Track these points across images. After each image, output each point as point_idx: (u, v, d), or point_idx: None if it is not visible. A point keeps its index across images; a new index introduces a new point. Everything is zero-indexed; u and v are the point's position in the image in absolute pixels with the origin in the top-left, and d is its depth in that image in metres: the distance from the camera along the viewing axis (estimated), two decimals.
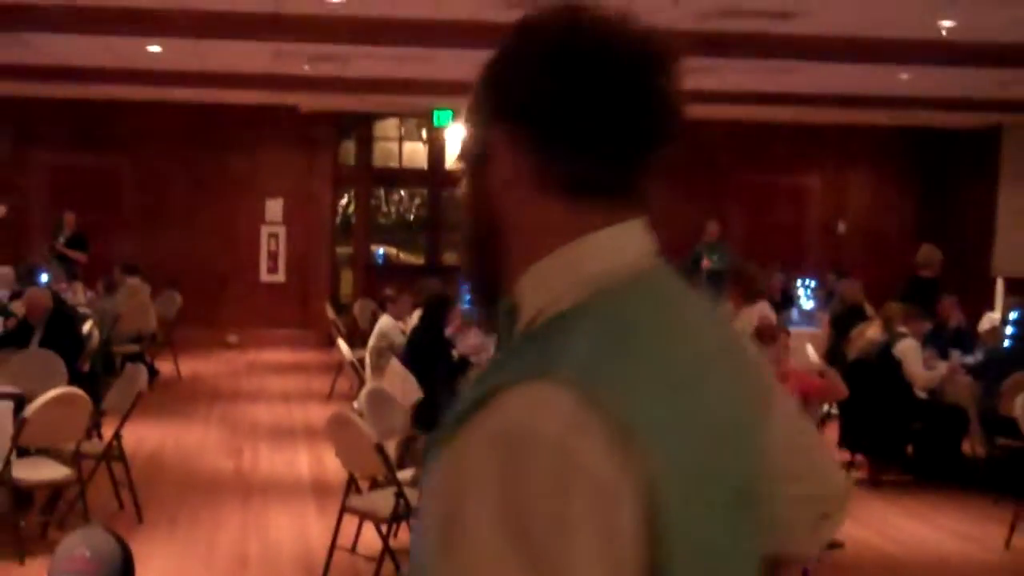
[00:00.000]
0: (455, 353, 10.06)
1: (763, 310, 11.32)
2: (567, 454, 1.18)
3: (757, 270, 12.58)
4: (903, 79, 13.42)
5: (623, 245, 1.36)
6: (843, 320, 12.49)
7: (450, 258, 18.77)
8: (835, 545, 7.28)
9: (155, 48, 12.63)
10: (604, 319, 1.29)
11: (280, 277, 17.84)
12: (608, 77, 1.31)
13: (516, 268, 1.37)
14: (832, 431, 9.45)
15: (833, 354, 11.58)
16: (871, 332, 10.89)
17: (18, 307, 11.79)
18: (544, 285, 1.34)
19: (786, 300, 14.23)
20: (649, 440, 1.22)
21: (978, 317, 12.89)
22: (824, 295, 14.91)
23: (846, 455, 9.84)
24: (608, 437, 1.19)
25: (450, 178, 19.21)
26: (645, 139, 1.34)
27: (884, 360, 9.85)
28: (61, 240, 15.49)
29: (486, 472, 1.19)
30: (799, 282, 15.37)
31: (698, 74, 13.15)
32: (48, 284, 12.83)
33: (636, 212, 1.37)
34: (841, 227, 19.01)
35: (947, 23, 10.04)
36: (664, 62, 1.34)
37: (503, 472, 1.18)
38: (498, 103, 1.36)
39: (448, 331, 10.28)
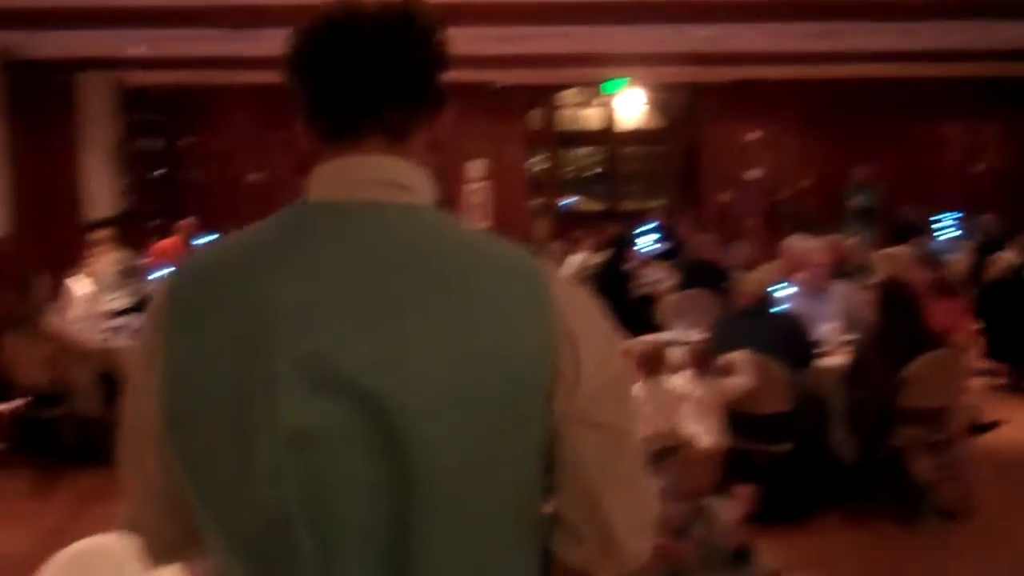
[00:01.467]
0: (635, 287, 10.21)
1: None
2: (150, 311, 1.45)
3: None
4: None
5: (341, 171, 1.47)
6: (984, 248, 12.23)
7: (626, 204, 18.74)
8: (994, 424, 7.11)
9: None
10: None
11: (486, 224, 18.12)
12: (312, 71, 1.46)
13: None
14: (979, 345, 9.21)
15: (975, 277, 11.34)
16: (1008, 255, 10.65)
17: None
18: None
19: (917, 231, 13.90)
20: (175, 315, 1.39)
21: None
22: (966, 226, 14.59)
23: (989, 363, 9.53)
24: (158, 306, 1.42)
25: (621, 137, 19.23)
26: (358, 105, 1.46)
27: (1020, 280, 9.61)
28: None
29: None
30: (939, 217, 15.01)
31: (838, 38, 12.76)
32: None
33: (374, 149, 1.48)
34: (978, 167, 18.36)
35: None
36: (376, 44, 1.44)
37: None
38: None
39: (626, 267, 10.42)
